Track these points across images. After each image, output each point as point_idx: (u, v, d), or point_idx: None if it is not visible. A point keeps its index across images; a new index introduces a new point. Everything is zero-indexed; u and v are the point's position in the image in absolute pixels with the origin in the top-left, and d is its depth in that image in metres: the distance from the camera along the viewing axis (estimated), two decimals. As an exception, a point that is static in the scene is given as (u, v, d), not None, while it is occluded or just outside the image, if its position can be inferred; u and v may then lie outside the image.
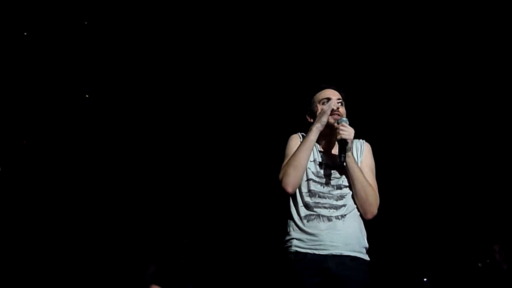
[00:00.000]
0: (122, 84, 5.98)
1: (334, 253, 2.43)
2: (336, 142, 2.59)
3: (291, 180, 2.49)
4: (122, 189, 6.24)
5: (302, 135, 2.69)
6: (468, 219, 6.19)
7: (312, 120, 2.69)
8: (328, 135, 2.65)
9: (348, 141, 2.49)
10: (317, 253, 2.44)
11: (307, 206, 2.53)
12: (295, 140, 2.68)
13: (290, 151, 2.60)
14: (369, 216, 2.55)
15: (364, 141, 2.73)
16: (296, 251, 2.48)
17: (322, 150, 2.67)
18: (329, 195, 2.53)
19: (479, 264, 5.81)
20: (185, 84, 5.96)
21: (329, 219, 2.48)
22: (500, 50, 5.30)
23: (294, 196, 2.58)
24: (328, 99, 2.64)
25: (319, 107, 2.65)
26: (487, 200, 6.12)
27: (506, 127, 5.86)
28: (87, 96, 6.05)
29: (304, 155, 2.50)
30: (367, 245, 2.56)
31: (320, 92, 2.73)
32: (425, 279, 6.39)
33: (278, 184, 2.53)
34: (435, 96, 5.85)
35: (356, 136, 2.67)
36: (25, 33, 5.54)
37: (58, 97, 5.91)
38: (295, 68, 5.59)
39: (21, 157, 5.91)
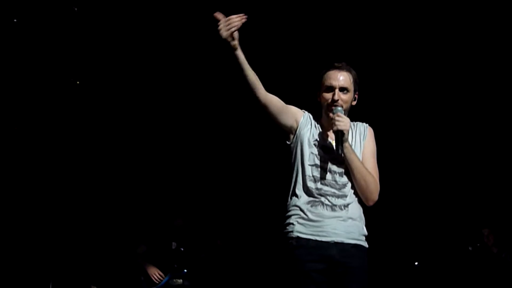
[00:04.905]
0: (118, 77, 5.89)
1: (336, 241, 2.43)
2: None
3: None
4: (114, 167, 6.16)
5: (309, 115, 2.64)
6: (458, 203, 6.25)
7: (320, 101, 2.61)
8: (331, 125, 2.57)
9: (345, 132, 2.44)
10: (320, 239, 2.43)
11: (309, 191, 2.49)
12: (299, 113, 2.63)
13: (289, 108, 2.57)
14: (370, 203, 2.55)
15: (367, 125, 2.70)
16: (298, 236, 2.45)
17: (328, 137, 2.61)
18: (332, 183, 2.50)
19: (470, 248, 5.88)
20: (181, 75, 5.88)
21: (332, 208, 2.47)
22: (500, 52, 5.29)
23: (296, 180, 2.55)
24: (331, 87, 2.54)
25: (322, 95, 2.59)
26: (477, 184, 6.18)
27: (497, 121, 5.92)
28: (77, 82, 5.97)
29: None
30: (366, 233, 2.57)
31: (327, 74, 2.58)
32: (416, 263, 6.46)
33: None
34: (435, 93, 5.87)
35: (361, 120, 2.69)
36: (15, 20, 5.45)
37: (48, 86, 5.83)
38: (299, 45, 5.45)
39: (12, 149, 5.83)
